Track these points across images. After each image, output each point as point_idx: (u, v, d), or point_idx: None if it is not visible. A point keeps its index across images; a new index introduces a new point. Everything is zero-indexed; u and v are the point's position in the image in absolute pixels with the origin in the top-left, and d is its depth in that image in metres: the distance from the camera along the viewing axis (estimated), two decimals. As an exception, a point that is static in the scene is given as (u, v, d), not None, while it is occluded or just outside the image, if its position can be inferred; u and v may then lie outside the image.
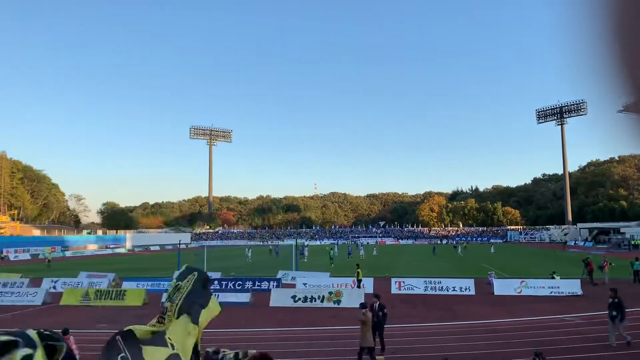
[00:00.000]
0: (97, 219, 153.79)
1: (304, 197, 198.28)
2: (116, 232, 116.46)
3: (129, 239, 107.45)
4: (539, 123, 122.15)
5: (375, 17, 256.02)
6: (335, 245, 78.72)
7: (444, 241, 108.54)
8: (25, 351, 1.45)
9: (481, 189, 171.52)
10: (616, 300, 14.35)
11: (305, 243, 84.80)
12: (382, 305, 14.15)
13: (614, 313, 14.13)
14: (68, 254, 77.16)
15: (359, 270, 26.82)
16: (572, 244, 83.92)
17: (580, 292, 24.06)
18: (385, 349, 13.64)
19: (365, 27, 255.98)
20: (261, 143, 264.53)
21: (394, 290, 26.06)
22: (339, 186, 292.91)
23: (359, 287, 25.38)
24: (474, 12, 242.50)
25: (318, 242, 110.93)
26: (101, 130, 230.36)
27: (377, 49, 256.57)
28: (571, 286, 24.70)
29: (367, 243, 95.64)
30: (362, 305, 13.16)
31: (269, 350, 10.83)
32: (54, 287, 27.94)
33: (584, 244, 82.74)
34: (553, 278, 26.22)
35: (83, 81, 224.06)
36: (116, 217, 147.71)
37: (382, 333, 13.90)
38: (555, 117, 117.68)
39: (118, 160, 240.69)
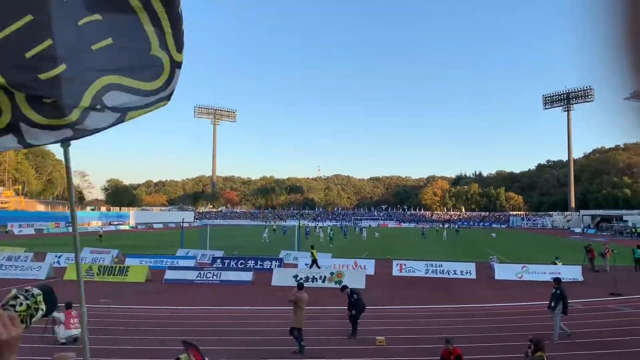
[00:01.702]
0: (101, 196, 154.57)
1: (308, 178, 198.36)
2: (120, 209, 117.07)
3: (133, 216, 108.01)
4: (546, 109, 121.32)
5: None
6: (329, 227, 79.21)
7: (446, 225, 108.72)
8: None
9: (485, 174, 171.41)
10: (558, 291, 13.56)
11: (319, 225, 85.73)
12: (352, 291, 14.10)
13: (552, 304, 13.35)
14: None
15: (312, 250, 27.29)
16: (567, 230, 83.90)
17: (581, 279, 24.11)
18: (357, 332, 13.52)
19: (371, 9, 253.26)
20: (265, 124, 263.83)
21: (395, 272, 26.18)
22: (342, 169, 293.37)
23: (314, 267, 26.00)
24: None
25: (320, 224, 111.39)
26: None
27: (382, 33, 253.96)
28: (572, 272, 24.75)
29: (370, 225, 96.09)
30: (299, 285, 12.97)
31: (270, 329, 10.86)
32: (58, 262, 28.17)
33: (586, 231, 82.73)
34: (556, 264, 26.27)
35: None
36: (120, 194, 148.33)
37: (357, 317, 13.67)
38: (562, 103, 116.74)
39: (122, 138, 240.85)
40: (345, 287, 14.65)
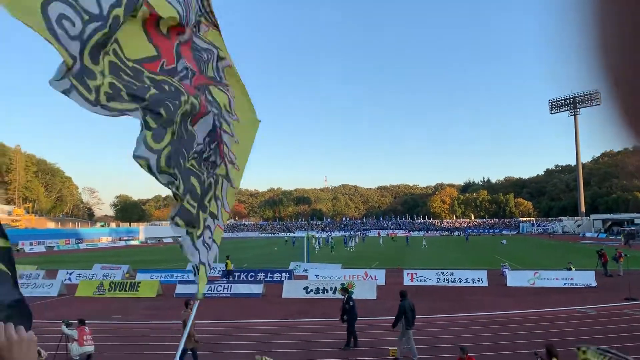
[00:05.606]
0: (110, 212, 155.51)
1: (315, 189, 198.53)
2: (129, 225, 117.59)
3: (142, 231, 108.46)
4: (552, 113, 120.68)
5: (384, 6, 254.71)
6: (330, 236, 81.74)
7: (456, 233, 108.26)
8: None
9: (493, 181, 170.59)
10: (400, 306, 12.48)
11: (331, 235, 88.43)
12: (349, 297, 13.95)
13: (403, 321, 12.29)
14: (82, 246, 78.08)
15: (227, 261, 27.76)
16: (567, 234, 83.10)
17: (594, 284, 23.85)
18: (358, 342, 13.44)
19: (375, 17, 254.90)
20: (272, 135, 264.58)
21: (407, 281, 25.98)
22: (349, 178, 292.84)
23: (227, 276, 26.68)
24: None
25: (332, 234, 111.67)
26: (112, 123, 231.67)
27: (388, 42, 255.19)
28: (585, 278, 24.50)
29: (378, 234, 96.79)
30: (187, 303, 12.45)
31: (281, 342, 10.86)
32: (69, 279, 28.26)
33: (597, 235, 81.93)
34: (570, 269, 26.03)
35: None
36: (129, 210, 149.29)
37: (351, 326, 13.47)
38: (569, 108, 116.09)
39: (130, 154, 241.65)
40: (346, 290, 14.61)
